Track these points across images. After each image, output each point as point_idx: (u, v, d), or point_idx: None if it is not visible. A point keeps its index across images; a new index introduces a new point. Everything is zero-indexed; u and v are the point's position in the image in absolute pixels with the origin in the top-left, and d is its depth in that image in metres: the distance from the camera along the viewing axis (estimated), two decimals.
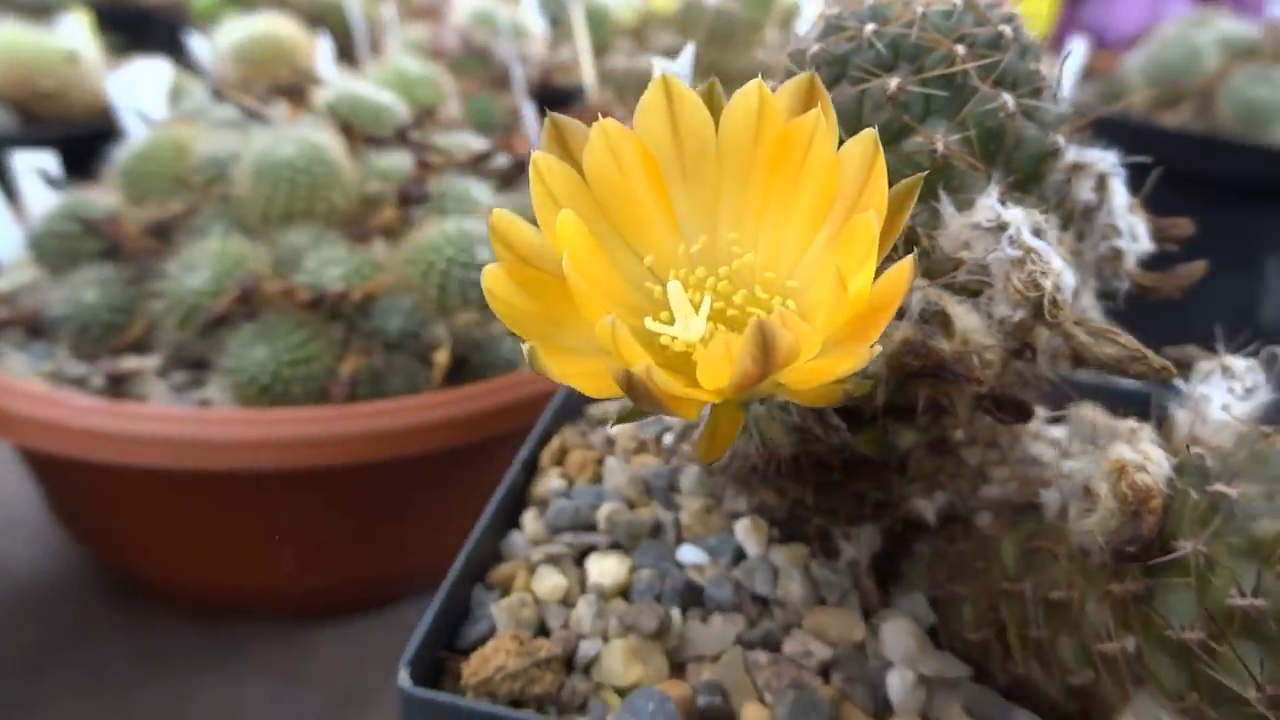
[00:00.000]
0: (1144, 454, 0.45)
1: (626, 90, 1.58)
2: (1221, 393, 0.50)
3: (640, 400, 0.35)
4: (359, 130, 1.05)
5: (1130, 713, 0.45)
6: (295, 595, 0.97)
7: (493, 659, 0.49)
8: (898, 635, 0.54)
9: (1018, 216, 0.47)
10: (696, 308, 0.41)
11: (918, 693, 0.52)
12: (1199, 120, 1.56)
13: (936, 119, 0.50)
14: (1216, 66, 1.56)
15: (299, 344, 0.87)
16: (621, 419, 0.43)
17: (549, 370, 0.35)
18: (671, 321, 0.42)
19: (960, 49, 0.49)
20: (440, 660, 0.52)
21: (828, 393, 0.36)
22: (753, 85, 0.41)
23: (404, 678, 0.47)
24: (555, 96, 2.03)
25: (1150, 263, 0.58)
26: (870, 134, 0.38)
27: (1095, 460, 0.47)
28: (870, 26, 0.51)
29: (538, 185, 0.41)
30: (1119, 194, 0.55)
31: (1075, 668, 0.48)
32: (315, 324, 0.89)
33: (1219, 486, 0.43)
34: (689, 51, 0.73)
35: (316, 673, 0.94)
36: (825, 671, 0.53)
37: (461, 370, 0.94)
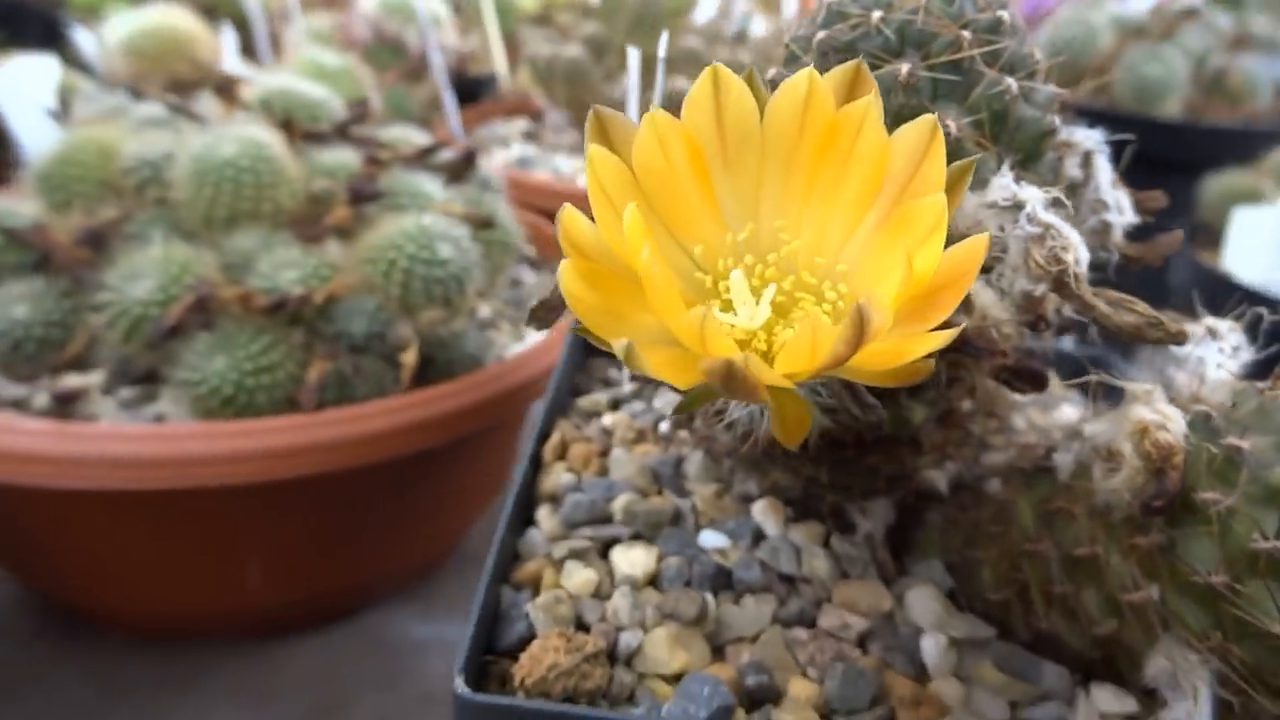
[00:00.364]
0: (1162, 414, 0.48)
1: (552, 79, 1.56)
2: (1213, 353, 0.53)
3: (735, 390, 0.35)
4: (298, 126, 1.01)
5: (1159, 654, 0.48)
6: (263, 611, 0.93)
7: (543, 658, 0.49)
8: (924, 602, 0.56)
9: (1033, 194, 0.49)
10: (755, 295, 0.42)
11: (950, 655, 0.54)
12: (1098, 97, 1.65)
13: (945, 102, 0.52)
14: (1110, 46, 1.65)
15: (260, 351, 0.83)
16: (683, 407, 0.43)
17: (644, 366, 0.35)
18: (724, 309, 0.43)
19: (966, 34, 0.51)
20: (484, 664, 0.51)
21: (910, 371, 0.37)
22: (803, 75, 0.41)
23: (460, 684, 0.46)
24: (471, 86, 1.99)
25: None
26: (930, 119, 0.39)
27: (1115, 422, 0.49)
28: (877, 13, 0.52)
29: (592, 178, 0.41)
30: (1104, 170, 0.58)
31: (1101, 618, 0.51)
32: (275, 330, 0.85)
33: (1232, 440, 0.46)
34: (664, 39, 0.74)
35: (290, 686, 0.91)
36: (862, 643, 0.54)
37: (427, 369, 0.92)
